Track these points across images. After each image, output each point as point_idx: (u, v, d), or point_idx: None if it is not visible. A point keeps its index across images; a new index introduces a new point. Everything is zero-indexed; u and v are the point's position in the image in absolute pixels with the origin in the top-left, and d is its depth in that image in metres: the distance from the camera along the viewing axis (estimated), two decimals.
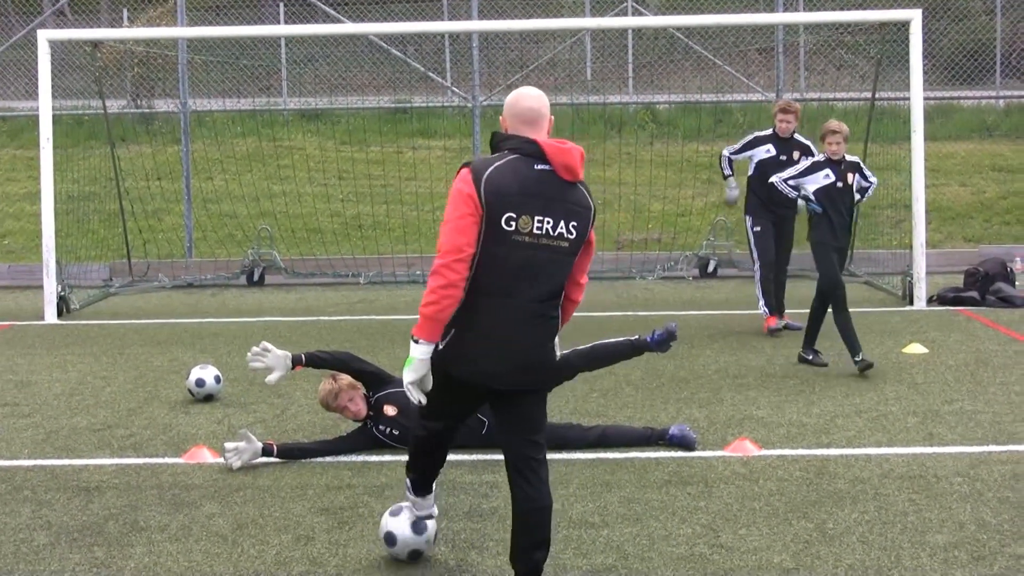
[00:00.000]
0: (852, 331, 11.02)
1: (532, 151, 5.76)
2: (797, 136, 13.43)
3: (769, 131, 13.46)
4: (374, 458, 8.60)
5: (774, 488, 7.94)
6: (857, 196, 11.65)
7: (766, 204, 13.19)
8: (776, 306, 13.36)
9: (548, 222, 5.73)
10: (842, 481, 8.06)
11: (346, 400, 8.66)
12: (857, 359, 11.00)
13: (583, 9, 24.07)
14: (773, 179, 11.90)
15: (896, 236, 17.61)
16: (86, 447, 9.19)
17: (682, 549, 6.88)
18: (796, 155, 13.13)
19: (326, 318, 14.61)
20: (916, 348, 12.03)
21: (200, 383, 10.45)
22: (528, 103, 5.88)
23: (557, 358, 6.04)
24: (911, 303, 14.66)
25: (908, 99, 14.78)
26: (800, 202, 11.52)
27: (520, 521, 6.01)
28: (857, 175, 11.58)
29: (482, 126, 19.22)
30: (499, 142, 5.92)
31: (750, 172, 13.54)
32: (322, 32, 18.51)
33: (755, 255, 13.44)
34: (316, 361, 8.74)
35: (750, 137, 13.62)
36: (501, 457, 8.26)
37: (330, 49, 23.78)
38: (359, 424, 8.82)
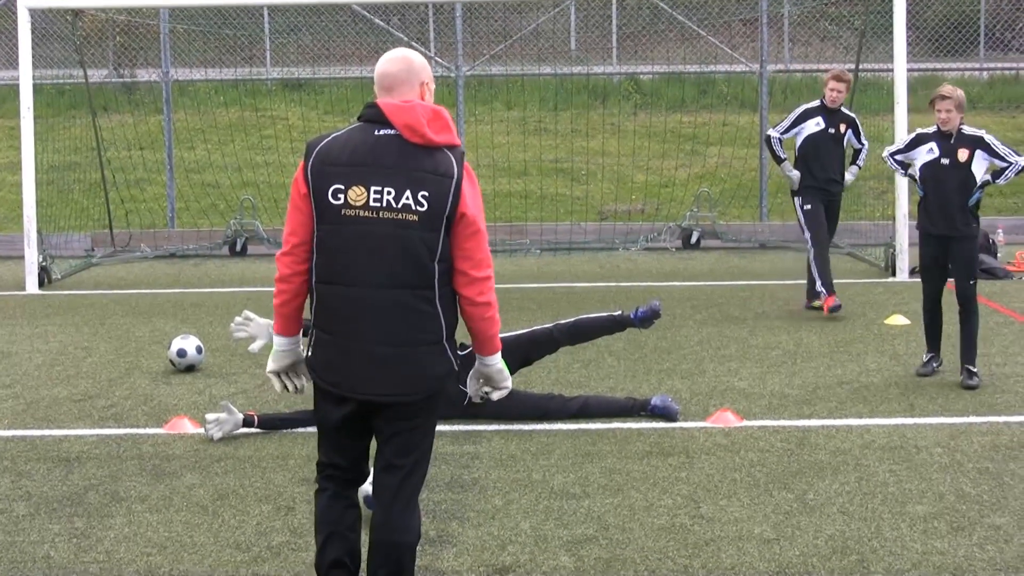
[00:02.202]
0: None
1: (373, 116, 5.09)
2: (843, 108, 12.89)
3: (816, 103, 12.83)
4: None
5: (755, 459, 7.98)
6: (986, 177, 9.78)
7: (818, 181, 12.64)
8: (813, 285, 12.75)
9: (389, 192, 4.96)
10: (823, 452, 8.11)
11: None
12: None
13: None
14: (884, 154, 10.66)
15: (879, 207, 17.64)
16: (67, 417, 9.19)
17: (663, 520, 6.92)
18: (843, 127, 12.70)
19: None
20: (898, 319, 12.07)
21: (182, 353, 10.45)
22: (385, 67, 5.17)
23: (445, 368, 5.16)
24: (894, 274, 14.69)
25: (892, 71, 14.80)
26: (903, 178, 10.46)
27: (370, 549, 5.27)
28: (982, 151, 9.75)
29: (465, 96, 19.20)
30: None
31: (798, 146, 12.83)
32: (305, 2, 18.44)
33: (807, 235, 12.71)
34: (305, 327, 8.73)
35: (799, 112, 12.88)
36: (482, 427, 8.33)
37: (313, 19, 23.68)
38: None
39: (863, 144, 12.98)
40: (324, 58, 23.32)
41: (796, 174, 12.75)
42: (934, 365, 10.03)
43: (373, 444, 5.30)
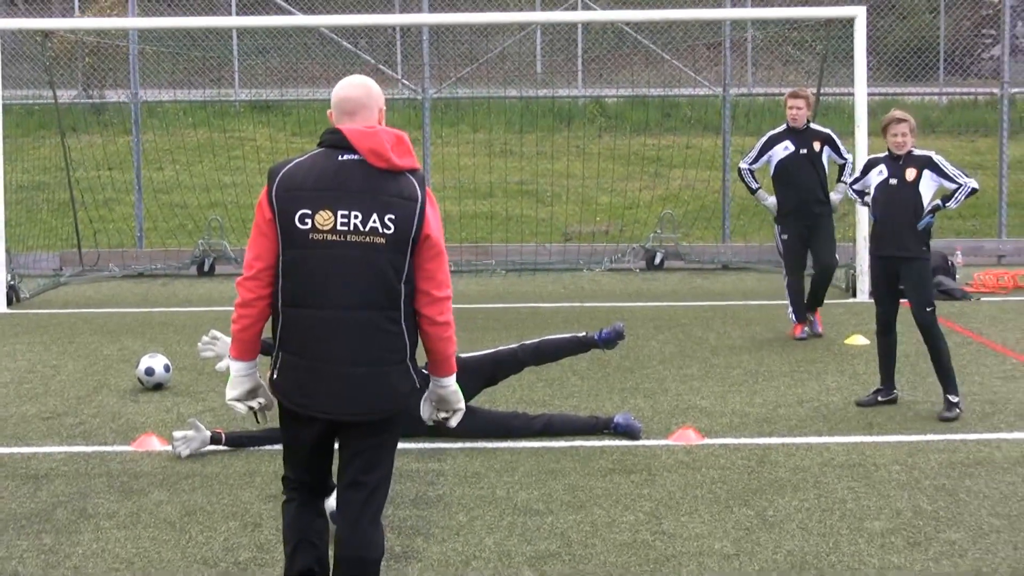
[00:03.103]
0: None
1: (336, 141, 5.18)
2: (814, 126, 12.62)
3: (782, 127, 12.58)
4: None
5: (716, 476, 8.09)
6: (936, 202, 9.66)
7: (794, 209, 12.42)
8: (811, 308, 12.54)
9: (356, 216, 5.05)
10: (783, 469, 8.23)
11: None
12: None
13: (533, 3, 24.18)
14: (846, 187, 10.78)
15: (840, 229, 17.77)
16: (35, 435, 9.24)
17: (625, 536, 7.01)
18: (817, 146, 12.36)
19: None
20: (858, 339, 12.20)
21: (150, 372, 10.53)
22: (346, 92, 5.28)
23: (408, 387, 5.28)
24: (854, 295, 14.83)
25: (853, 94, 14.92)
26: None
27: (335, 565, 5.36)
28: (930, 171, 9.68)
29: (432, 119, 19.33)
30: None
31: (772, 174, 12.61)
32: (273, 24, 18.51)
33: (783, 264, 12.74)
34: (267, 348, 8.80)
35: (764, 139, 12.66)
36: (447, 445, 8.42)
37: (281, 41, 23.78)
38: None
39: (846, 158, 12.68)
40: (292, 80, 23.39)
41: (771, 201, 12.64)
42: (878, 397, 9.89)
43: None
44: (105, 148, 19.75)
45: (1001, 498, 7.59)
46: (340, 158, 5.15)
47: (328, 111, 5.38)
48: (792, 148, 12.35)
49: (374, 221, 5.06)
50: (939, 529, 7.08)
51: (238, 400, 5.39)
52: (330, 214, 5.06)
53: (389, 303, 5.13)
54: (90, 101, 22.28)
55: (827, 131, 12.64)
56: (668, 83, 22.05)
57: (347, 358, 5.13)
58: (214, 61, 23.31)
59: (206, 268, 17.73)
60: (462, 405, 5.52)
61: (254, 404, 5.42)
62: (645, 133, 21.54)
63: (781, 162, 12.41)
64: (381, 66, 20.60)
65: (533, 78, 24.13)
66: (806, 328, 12.39)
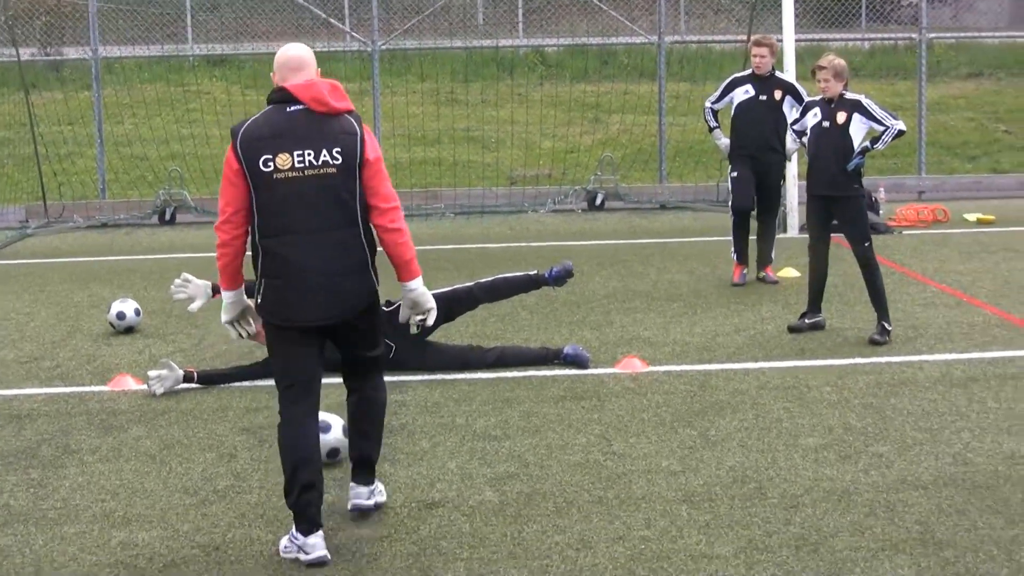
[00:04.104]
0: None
1: (283, 97, 6.04)
2: (778, 74, 12.55)
3: (748, 71, 12.53)
4: None
5: (661, 400, 8.49)
6: (865, 143, 10.07)
7: (748, 149, 12.35)
8: (762, 258, 12.52)
9: (309, 154, 5.93)
10: (723, 393, 8.65)
11: (260, 326, 9.08)
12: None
13: None
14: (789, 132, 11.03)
15: None
16: (14, 378, 9.52)
17: (578, 456, 7.39)
18: (778, 94, 12.24)
19: None
20: (790, 272, 12.60)
21: (121, 316, 10.78)
22: (293, 52, 6.16)
23: (372, 287, 6.15)
24: (784, 231, 15.07)
25: (781, 41, 14.99)
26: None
27: (353, 412, 6.48)
28: (859, 115, 10.05)
29: (381, 70, 19.51)
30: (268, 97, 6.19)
31: (732, 115, 12.57)
32: None
33: (729, 201, 12.68)
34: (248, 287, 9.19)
35: (728, 80, 12.63)
36: (408, 378, 8.84)
37: None
38: None
39: None
40: (244, 34, 23.43)
41: (724, 142, 12.62)
42: (805, 321, 10.35)
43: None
44: (67, 103, 19.83)
45: (923, 414, 8.05)
46: (288, 109, 6.02)
47: (272, 74, 6.20)
48: (752, 93, 12.28)
49: (324, 155, 5.96)
50: (867, 443, 7.50)
51: (231, 322, 6.39)
52: (287, 156, 5.94)
53: (347, 221, 6.01)
54: (49, 59, 22.35)
55: (791, 81, 12.62)
56: (605, 32, 22.29)
57: (319, 270, 5.99)
58: (168, 17, 23.39)
59: (167, 217, 17.94)
60: (433, 304, 6.37)
61: (241, 330, 6.43)
62: (584, 81, 21.80)
63: (740, 105, 12.38)
64: (331, 19, 20.77)
65: (476, 29, 24.33)
66: (745, 271, 12.35)
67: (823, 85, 10.13)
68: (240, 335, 6.49)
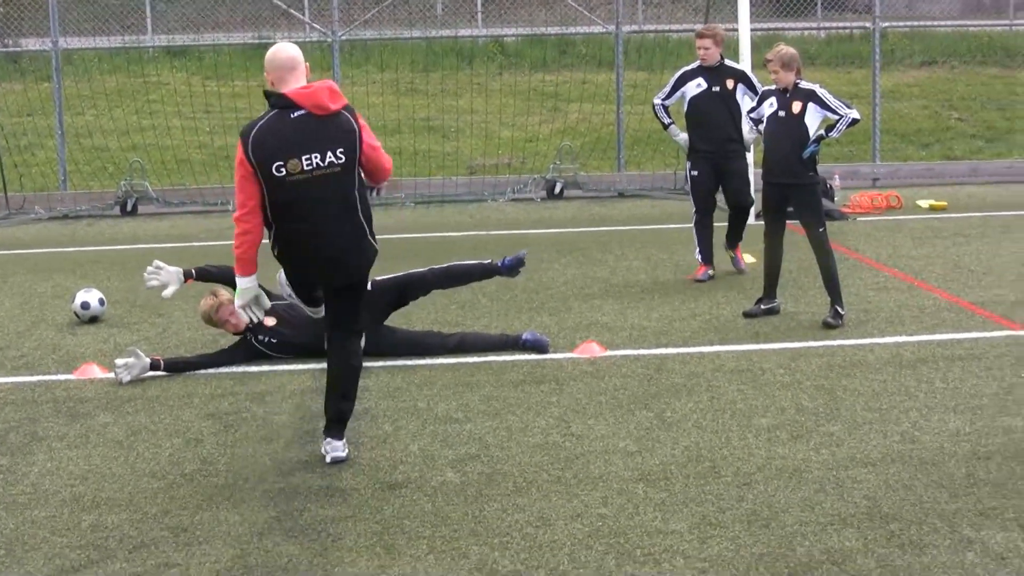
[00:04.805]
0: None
1: (285, 103, 6.74)
2: (728, 63, 12.24)
3: (696, 64, 12.15)
4: (253, 368, 9.19)
5: (618, 384, 8.67)
6: (819, 131, 10.23)
7: (706, 147, 12.08)
8: (731, 244, 12.36)
9: (316, 157, 6.73)
10: (679, 376, 8.83)
11: (227, 314, 9.20)
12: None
13: None
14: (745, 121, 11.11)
15: None
16: None
17: (538, 438, 7.56)
18: (731, 84, 11.99)
19: (198, 243, 14.94)
20: (746, 258, 12.64)
21: (85, 306, 10.86)
22: (287, 53, 6.88)
23: (374, 252, 7.13)
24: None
25: (737, 30, 15.10)
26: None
27: (331, 377, 7.30)
28: (814, 104, 10.21)
29: (341, 60, 19.59)
30: (268, 99, 6.87)
31: (685, 111, 12.24)
32: None
33: (692, 202, 12.32)
34: (204, 275, 9.36)
35: (677, 75, 12.32)
36: (369, 364, 8.95)
37: None
38: (239, 337, 9.42)
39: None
40: (204, 25, 23.47)
41: (683, 137, 12.34)
42: (761, 307, 10.53)
43: None
44: (27, 94, 19.86)
45: (873, 394, 8.26)
46: (292, 115, 6.73)
47: (265, 74, 6.91)
48: (705, 85, 12.00)
49: (330, 156, 6.76)
50: (819, 423, 7.70)
51: (244, 307, 7.14)
52: (297, 161, 6.71)
53: (349, 207, 6.90)
54: (7, 50, 22.31)
55: (741, 69, 12.46)
56: (564, 22, 22.48)
57: (334, 247, 6.93)
58: (128, 8, 23.38)
59: (129, 208, 17.95)
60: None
61: (252, 315, 7.21)
62: (543, 70, 21.91)
63: (693, 99, 12.07)
64: (291, 10, 20.83)
65: (435, 19, 24.44)
66: (709, 271, 12.10)
67: (774, 76, 10.31)
68: (251, 320, 7.30)
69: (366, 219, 7.04)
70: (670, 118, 12.43)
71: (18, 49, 22.30)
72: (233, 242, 6.97)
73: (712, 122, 12.00)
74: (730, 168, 12.14)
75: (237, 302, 7.14)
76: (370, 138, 6.92)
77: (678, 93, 12.24)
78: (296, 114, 6.74)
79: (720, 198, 12.56)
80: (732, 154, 12.11)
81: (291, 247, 6.98)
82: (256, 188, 6.79)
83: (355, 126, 6.84)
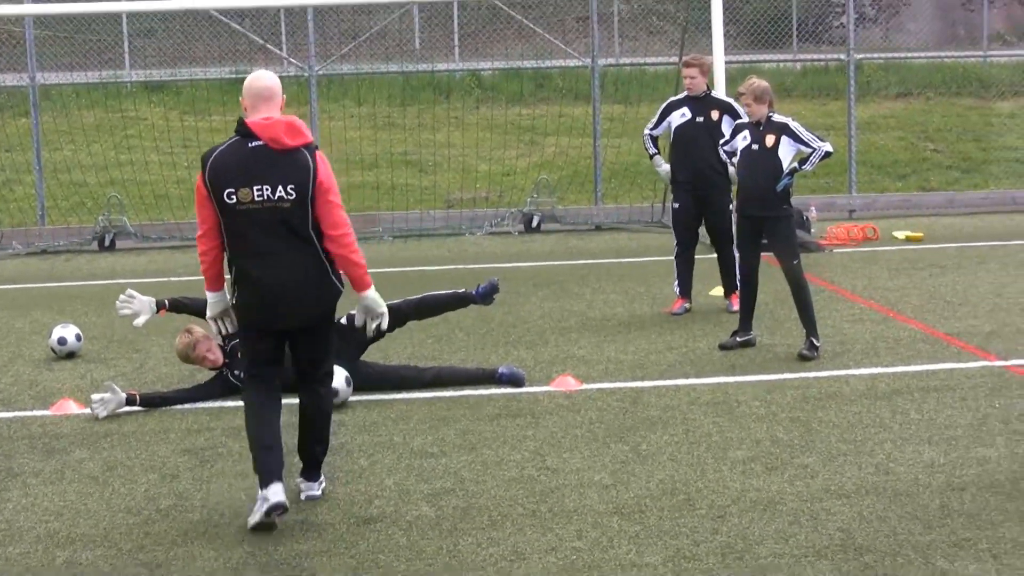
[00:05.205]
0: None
1: (245, 132, 6.74)
2: (715, 94, 12.22)
3: (683, 94, 12.15)
4: (230, 403, 9.11)
5: (594, 417, 8.68)
6: (793, 164, 10.28)
7: (688, 177, 12.00)
8: (727, 291, 12.19)
9: (266, 189, 6.66)
10: (654, 409, 8.84)
11: (204, 350, 9.20)
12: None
13: None
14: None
15: None
16: None
17: (513, 472, 7.57)
18: (715, 115, 11.84)
19: (176, 278, 14.90)
20: (721, 291, 12.60)
21: (62, 341, 10.86)
22: (263, 83, 6.87)
23: (334, 293, 6.93)
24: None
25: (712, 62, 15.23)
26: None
27: (303, 421, 7.22)
28: (787, 137, 10.25)
29: (319, 94, 19.64)
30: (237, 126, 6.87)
31: (671, 141, 12.21)
32: (161, 8, 18.54)
33: (673, 235, 12.36)
34: (178, 306, 9.39)
35: (664, 105, 12.31)
36: (348, 399, 8.96)
37: (169, 23, 23.91)
38: (214, 373, 9.40)
39: None
40: (181, 60, 23.53)
41: (664, 168, 12.30)
42: (737, 339, 10.57)
43: None
44: (5, 130, 19.92)
45: (848, 426, 8.29)
46: (250, 145, 6.71)
47: (241, 99, 6.91)
48: (689, 115, 11.94)
49: (280, 191, 6.67)
50: (794, 455, 7.71)
51: (215, 319, 7.12)
52: (248, 190, 6.67)
53: (301, 242, 6.77)
54: None
55: (728, 100, 12.14)
56: (540, 55, 22.54)
57: (275, 285, 6.77)
58: (106, 43, 23.41)
59: (107, 243, 17.98)
60: (384, 309, 7.12)
61: (222, 327, 7.16)
62: (520, 103, 22.03)
63: (677, 129, 12.01)
64: (268, 44, 20.88)
65: (412, 53, 24.53)
66: (686, 304, 12.09)
67: (747, 109, 10.43)
68: (221, 331, 7.23)
69: (328, 260, 6.88)
70: (655, 148, 12.44)
71: None
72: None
73: (694, 152, 11.89)
74: (711, 202, 12.02)
75: (208, 313, 7.16)
76: (325, 180, 6.76)
77: (664, 123, 12.21)
78: (253, 144, 6.72)
79: (703, 232, 12.51)
80: (713, 187, 11.98)
81: (242, 279, 6.88)
82: (211, 213, 6.79)
83: (311, 164, 6.73)
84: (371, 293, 7.06)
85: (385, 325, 7.20)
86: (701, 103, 11.97)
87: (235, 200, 6.68)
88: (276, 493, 6.70)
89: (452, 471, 7.64)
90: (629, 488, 7.24)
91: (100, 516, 7.06)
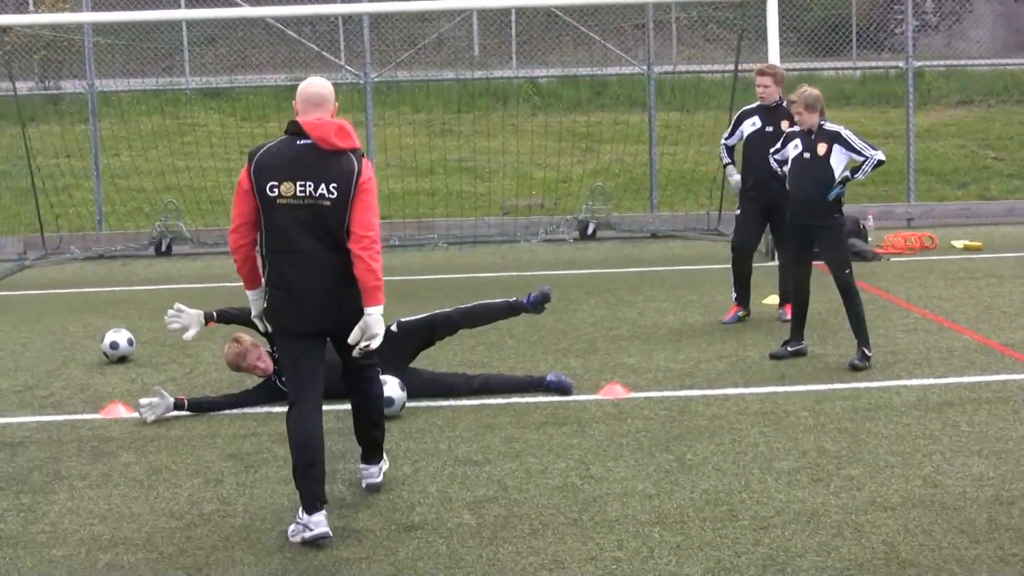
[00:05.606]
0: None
1: (295, 130, 6.83)
2: (785, 104, 11.46)
3: (755, 103, 12.05)
4: (277, 409, 9.14)
5: (640, 426, 8.64)
6: (845, 173, 10.18)
7: (754, 186, 11.90)
8: (782, 294, 11.91)
9: (309, 185, 6.70)
10: (702, 418, 8.79)
11: (254, 359, 9.23)
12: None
13: None
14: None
15: None
16: (8, 406, 9.68)
17: (556, 480, 7.54)
18: (786, 125, 11.50)
19: (231, 284, 14.71)
20: (774, 299, 12.55)
21: (114, 346, 10.97)
22: (316, 89, 6.95)
23: (359, 306, 6.77)
24: (773, 259, 14.61)
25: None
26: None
27: (356, 409, 7.33)
28: (839, 146, 10.18)
29: (375, 101, 19.70)
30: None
31: (742, 149, 12.15)
32: (221, 16, 18.75)
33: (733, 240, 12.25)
34: (226, 317, 9.44)
35: (737, 114, 12.28)
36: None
37: (229, 31, 24.11)
38: (263, 379, 9.43)
39: None
40: (240, 67, 23.71)
41: (735, 178, 12.24)
42: (788, 348, 10.49)
43: None
44: (64, 136, 20.07)
45: (897, 438, 8.20)
46: (299, 142, 6.79)
47: (294, 102, 6.98)
48: (759, 124, 11.86)
49: (322, 189, 6.71)
50: (840, 466, 7.64)
51: (259, 317, 7.24)
52: (291, 184, 6.73)
53: (337, 246, 6.76)
54: (46, 92, 22.60)
55: None
56: (598, 63, 22.56)
57: (310, 287, 6.78)
58: (165, 51, 23.67)
59: (163, 248, 18.15)
60: (381, 332, 6.85)
61: (268, 324, 7.17)
62: (577, 110, 22.04)
63: (748, 138, 11.93)
64: (324, 52, 20.98)
65: (470, 60, 24.59)
66: (740, 312, 12.04)
67: (798, 118, 10.33)
68: (266, 329, 7.35)
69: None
70: (729, 158, 12.37)
71: (58, 91, 22.58)
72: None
73: (761, 162, 11.55)
74: (777, 208, 11.60)
75: (253, 312, 7.25)
76: (369, 186, 6.79)
77: (738, 132, 12.13)
78: (302, 142, 6.79)
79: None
80: (780, 194, 11.37)
81: (274, 277, 6.87)
82: (250, 207, 6.83)
83: (356, 167, 6.77)
84: (377, 312, 6.80)
85: (375, 346, 6.84)
86: (773, 113, 11.85)
87: (277, 193, 6.73)
88: (319, 524, 6.68)
89: (496, 479, 7.62)
90: (672, 498, 7.21)
91: (143, 520, 7.10)
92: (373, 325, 6.80)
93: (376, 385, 7.37)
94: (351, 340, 6.86)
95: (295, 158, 6.76)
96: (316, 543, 6.63)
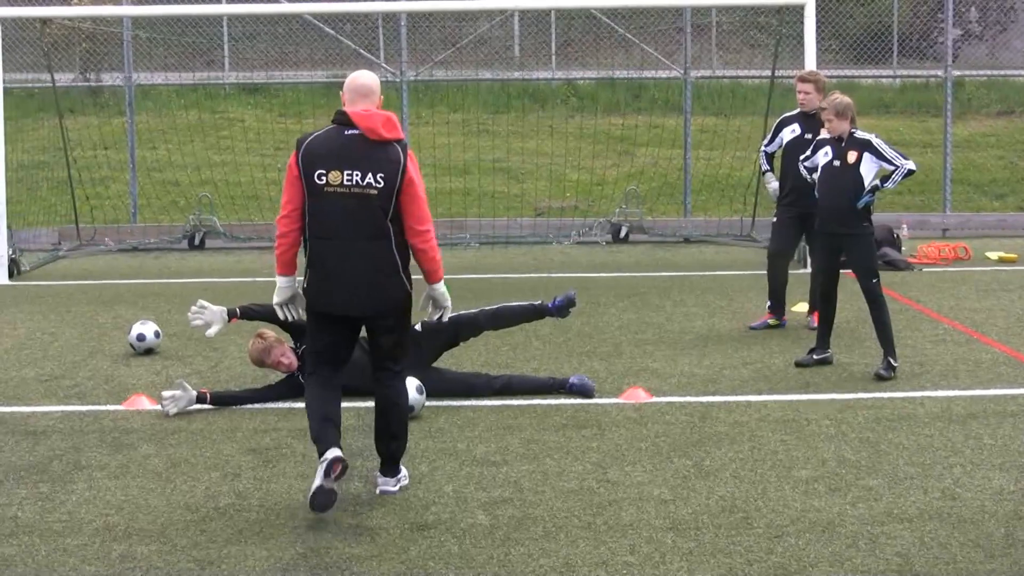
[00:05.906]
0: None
1: (343, 120, 7.04)
2: (818, 111, 11.16)
3: (796, 110, 12.00)
4: (299, 404, 9.01)
5: (660, 430, 8.61)
6: (875, 182, 10.13)
7: (790, 192, 11.81)
8: (812, 302, 11.72)
9: (356, 174, 6.93)
10: (722, 424, 8.76)
11: (278, 355, 9.24)
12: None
13: None
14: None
15: None
16: (33, 395, 9.76)
17: (573, 484, 7.52)
18: (825, 132, 10.80)
19: (262, 279, 14.94)
20: (803, 307, 12.46)
21: (141, 338, 11.04)
22: (362, 80, 7.16)
23: (402, 292, 7.12)
24: (805, 266, 14.76)
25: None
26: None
27: (377, 415, 7.37)
28: (869, 154, 10.12)
29: (411, 100, 19.74)
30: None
31: (781, 156, 12.10)
32: (261, 11, 18.79)
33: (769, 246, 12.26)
34: (249, 313, 9.45)
35: (777, 121, 12.25)
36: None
37: (270, 27, 24.19)
38: (286, 375, 9.43)
39: None
40: (279, 63, 23.79)
41: (773, 186, 12.16)
42: (813, 356, 10.45)
43: None
44: (101, 129, 20.20)
45: (918, 449, 8.15)
46: (347, 132, 7.01)
47: (341, 93, 7.20)
48: (798, 132, 11.82)
49: (369, 178, 6.94)
50: (859, 476, 7.59)
51: (281, 304, 7.39)
52: (339, 173, 6.96)
53: (380, 234, 7.01)
54: (87, 84, 22.76)
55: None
56: (637, 66, 22.54)
57: (350, 271, 7.03)
58: (205, 46, 23.80)
59: (197, 242, 18.27)
60: (449, 304, 7.43)
61: (288, 313, 7.40)
62: (613, 113, 21.98)
63: (787, 145, 11.90)
64: (361, 50, 21.03)
65: (510, 61, 24.62)
66: (769, 320, 11.99)
67: (828, 125, 10.25)
68: (286, 317, 7.46)
69: (400, 256, 7.11)
70: (768, 165, 12.35)
71: (98, 84, 22.74)
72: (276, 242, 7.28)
73: (799, 169, 11.24)
74: (815, 216, 11.34)
75: (275, 298, 7.38)
76: (414, 176, 7.04)
77: (778, 139, 12.09)
78: (350, 132, 6.99)
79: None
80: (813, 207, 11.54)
81: (315, 261, 7.12)
82: (298, 193, 7.04)
83: (402, 158, 7.00)
84: (441, 286, 7.33)
85: (447, 318, 7.49)
86: (812, 120, 11.63)
87: (324, 181, 6.95)
88: (333, 452, 6.97)
89: (512, 480, 7.62)
90: (688, 504, 7.18)
91: (159, 512, 7.13)
92: (441, 297, 7.37)
93: (402, 396, 7.46)
94: (421, 308, 7.41)
95: (343, 147, 6.96)
96: (330, 476, 6.90)
